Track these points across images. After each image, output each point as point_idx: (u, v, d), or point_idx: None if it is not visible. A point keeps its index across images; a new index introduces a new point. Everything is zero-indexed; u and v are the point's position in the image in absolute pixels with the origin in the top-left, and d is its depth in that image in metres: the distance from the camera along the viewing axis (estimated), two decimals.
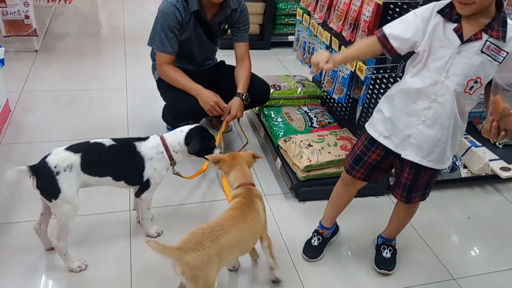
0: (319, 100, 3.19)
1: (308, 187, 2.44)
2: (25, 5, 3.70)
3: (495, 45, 1.44)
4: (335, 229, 2.19)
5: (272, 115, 2.88)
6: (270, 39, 4.71)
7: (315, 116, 2.86)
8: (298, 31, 3.06)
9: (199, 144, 1.94)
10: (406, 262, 2.14)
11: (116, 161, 1.84)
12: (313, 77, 3.30)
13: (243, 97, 2.52)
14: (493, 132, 1.35)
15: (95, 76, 3.77)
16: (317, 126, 2.77)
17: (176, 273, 1.50)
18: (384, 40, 1.60)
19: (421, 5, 1.61)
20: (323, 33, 2.57)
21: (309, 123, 2.80)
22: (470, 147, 2.70)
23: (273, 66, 4.34)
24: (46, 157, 1.71)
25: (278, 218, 2.32)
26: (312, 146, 2.47)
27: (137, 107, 3.28)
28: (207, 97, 2.41)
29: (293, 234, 2.21)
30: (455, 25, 1.47)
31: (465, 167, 2.69)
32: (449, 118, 1.57)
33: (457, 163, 2.65)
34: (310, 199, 2.45)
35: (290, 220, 2.32)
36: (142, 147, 1.87)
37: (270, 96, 2.93)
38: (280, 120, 2.82)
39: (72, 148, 1.74)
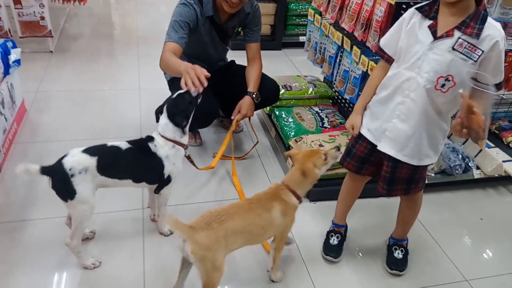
0: (330, 101, 3.19)
1: (319, 187, 2.42)
2: (40, 6, 3.76)
3: (468, 42, 1.43)
4: (346, 228, 2.20)
5: (283, 115, 2.89)
6: (281, 39, 4.72)
7: (326, 116, 2.86)
8: (310, 31, 3.06)
9: (182, 118, 1.89)
10: (418, 263, 2.13)
11: (134, 164, 1.86)
12: (324, 77, 3.30)
13: (254, 96, 2.53)
14: (457, 129, 1.36)
15: (108, 76, 3.82)
16: (328, 126, 2.77)
17: (185, 253, 1.54)
18: (381, 52, 1.72)
19: None
20: (335, 33, 2.57)
21: (320, 123, 2.80)
22: None
23: (284, 66, 4.35)
24: (62, 158, 1.72)
25: None
26: (323, 146, 2.47)
27: (149, 107, 3.30)
28: (189, 66, 2.08)
29: (305, 234, 2.22)
30: (430, 22, 1.49)
31: (478, 168, 2.66)
32: (421, 114, 1.58)
33: (470, 164, 2.63)
34: (321, 199, 2.45)
35: (302, 220, 2.30)
36: (155, 147, 1.88)
37: (281, 96, 2.94)
38: (291, 120, 2.83)
39: (89, 151, 1.75)
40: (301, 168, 1.77)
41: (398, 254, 2.06)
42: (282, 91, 2.97)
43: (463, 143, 2.77)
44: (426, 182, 2.49)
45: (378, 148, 1.74)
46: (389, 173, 1.76)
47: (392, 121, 1.66)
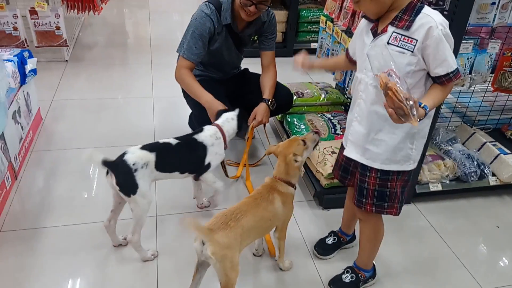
0: (343, 107, 3.17)
1: (332, 194, 2.43)
2: (56, 16, 3.83)
3: (402, 35, 1.45)
4: (353, 237, 2.18)
5: (295, 122, 2.89)
6: (293, 46, 4.72)
7: (338, 123, 2.85)
8: (322, 38, 3.06)
9: (245, 125, 2.26)
10: (433, 272, 2.10)
11: (184, 157, 2.02)
12: (336, 84, 3.29)
13: (269, 103, 2.54)
14: (387, 111, 1.37)
15: (122, 84, 3.86)
16: (341, 133, 2.76)
17: (205, 255, 1.56)
18: (348, 55, 1.79)
19: None
20: (347, 40, 2.57)
21: (333, 130, 2.79)
22: (498, 154, 2.64)
23: (295, 73, 4.32)
24: (123, 155, 1.82)
25: (302, 225, 2.31)
26: (336, 153, 2.46)
27: (163, 114, 3.34)
28: (217, 108, 2.32)
29: (317, 240, 2.20)
30: (372, 24, 1.55)
31: (493, 175, 2.62)
32: (371, 113, 1.58)
33: (485, 170, 2.59)
34: (334, 206, 2.44)
35: (314, 227, 2.32)
36: (202, 137, 2.07)
37: (293, 103, 2.94)
38: (303, 127, 2.82)
39: (147, 147, 1.89)
40: (284, 160, 1.85)
41: (346, 277, 1.93)
42: (294, 97, 2.97)
43: (478, 150, 2.74)
44: (441, 189, 2.51)
45: (344, 153, 1.75)
46: (360, 181, 1.72)
47: (352, 124, 1.69)
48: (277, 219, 1.84)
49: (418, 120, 1.33)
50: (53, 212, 2.28)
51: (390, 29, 1.48)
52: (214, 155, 2.10)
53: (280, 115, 3.08)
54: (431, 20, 1.42)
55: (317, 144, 1.95)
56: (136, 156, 1.82)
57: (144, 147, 1.89)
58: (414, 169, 1.69)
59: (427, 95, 1.51)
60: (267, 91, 2.57)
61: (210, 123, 2.47)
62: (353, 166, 1.80)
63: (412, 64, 1.46)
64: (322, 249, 2.13)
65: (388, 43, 1.48)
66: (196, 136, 2.07)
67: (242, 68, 2.93)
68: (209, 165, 2.09)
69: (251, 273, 2.02)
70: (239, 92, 2.66)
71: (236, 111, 2.25)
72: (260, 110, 2.51)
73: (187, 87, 2.49)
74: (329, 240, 2.14)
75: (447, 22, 1.44)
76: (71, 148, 2.83)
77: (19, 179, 2.50)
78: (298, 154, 1.84)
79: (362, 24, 1.64)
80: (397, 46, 1.46)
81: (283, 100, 2.75)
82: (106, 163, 1.77)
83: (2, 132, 2.28)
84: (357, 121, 1.65)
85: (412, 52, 1.44)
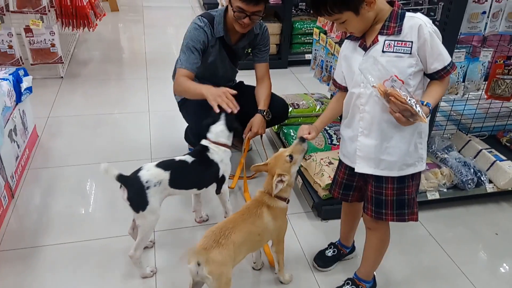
0: (339, 117, 3.18)
1: (330, 205, 2.43)
2: (51, 34, 3.85)
3: (395, 40, 1.49)
4: (352, 249, 2.18)
5: (292, 134, 2.90)
6: (287, 58, 4.76)
7: (334, 133, 2.86)
8: (315, 50, 3.09)
9: (236, 124, 2.19)
10: (433, 281, 2.10)
11: (198, 174, 2.05)
12: (331, 95, 3.31)
13: (265, 113, 2.55)
14: (394, 117, 1.43)
15: (118, 100, 3.87)
16: (337, 143, 2.77)
17: (201, 276, 1.57)
18: (334, 83, 1.80)
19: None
20: None
21: (329, 140, 2.80)
22: (495, 161, 2.65)
23: (290, 84, 4.38)
24: (138, 171, 1.85)
25: (300, 237, 2.31)
26: (333, 163, 2.47)
27: (159, 129, 3.35)
28: (216, 90, 2.26)
29: (315, 251, 2.19)
30: (359, 41, 1.57)
31: (490, 182, 2.63)
32: (380, 123, 1.58)
33: (482, 178, 2.60)
34: (332, 217, 2.43)
35: (313, 239, 2.31)
36: (212, 155, 2.08)
37: (289, 114, 2.95)
38: None
39: (162, 165, 1.91)
40: (271, 177, 1.79)
41: None
42: (290, 109, 2.98)
43: (474, 157, 2.75)
44: (439, 197, 2.51)
45: (356, 170, 1.71)
46: (375, 193, 1.70)
47: (358, 139, 1.66)
48: (267, 233, 1.82)
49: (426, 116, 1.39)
50: (51, 230, 2.27)
51: (381, 38, 1.51)
52: (225, 167, 2.13)
53: (276, 126, 3.09)
54: (418, 20, 1.47)
55: (306, 152, 1.85)
56: (150, 174, 1.84)
57: (160, 165, 1.90)
58: None
59: (427, 93, 1.54)
60: (262, 102, 2.58)
61: (205, 137, 2.46)
62: (357, 180, 1.79)
63: (412, 66, 1.49)
64: (322, 261, 2.12)
65: (383, 51, 1.50)
66: (209, 154, 2.09)
67: (237, 81, 2.95)
68: (223, 177, 2.13)
69: (251, 287, 2.01)
70: None
71: (222, 119, 2.15)
72: (256, 121, 2.52)
73: (185, 89, 2.42)
74: (329, 253, 2.13)
75: (430, 20, 1.50)
76: (68, 165, 2.83)
77: (16, 198, 2.49)
78: (285, 173, 1.76)
79: (346, 45, 1.66)
80: (393, 52, 1.49)
81: (279, 111, 2.76)
82: (120, 178, 1.79)
83: None
84: (364, 135, 1.63)
85: (410, 53, 1.47)
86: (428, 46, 1.46)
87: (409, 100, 1.36)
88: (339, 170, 1.88)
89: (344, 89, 1.73)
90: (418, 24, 1.45)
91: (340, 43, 2.65)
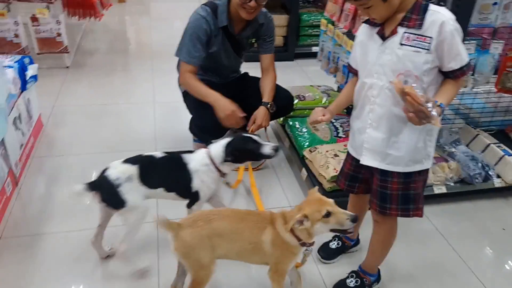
0: (345, 110, 3.15)
1: (335, 198, 2.38)
2: (57, 23, 3.84)
3: (415, 34, 1.45)
4: (357, 242, 2.16)
5: (297, 126, 2.87)
6: (294, 50, 4.72)
7: (341, 126, 2.83)
8: (323, 41, 3.05)
9: (236, 153, 1.92)
10: (439, 276, 2.08)
11: (167, 173, 1.90)
12: (338, 87, 3.28)
13: (269, 106, 2.52)
14: (408, 117, 1.40)
15: (123, 90, 3.86)
16: (343, 136, 2.74)
17: (171, 251, 1.59)
18: (349, 68, 1.75)
19: None
20: (348, 42, 2.56)
21: (335, 133, 2.77)
22: (503, 156, 2.61)
23: (297, 77, 4.35)
24: (104, 171, 1.78)
25: None
26: (338, 156, 2.44)
27: (164, 120, 3.33)
28: (224, 106, 2.35)
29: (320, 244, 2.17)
30: (378, 28, 1.53)
31: (498, 176, 2.59)
32: (390, 117, 1.55)
33: (490, 172, 2.56)
34: None
35: None
36: (189, 159, 1.91)
37: (295, 106, 2.92)
38: (305, 130, 2.81)
39: (130, 161, 1.83)
40: (298, 211, 1.57)
41: (350, 282, 1.90)
42: (295, 101, 2.95)
43: (482, 152, 2.71)
44: (445, 191, 2.48)
45: (361, 162, 1.69)
46: (381, 187, 1.67)
47: (366, 131, 1.63)
48: (261, 252, 1.63)
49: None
50: (54, 218, 2.27)
51: (400, 30, 1.47)
52: (201, 183, 1.90)
53: (281, 119, 3.06)
54: (442, 16, 1.42)
55: (341, 229, 1.55)
56: (118, 170, 1.77)
57: (127, 161, 1.83)
58: None
59: (440, 92, 1.50)
60: (266, 94, 2.56)
61: (208, 128, 2.45)
62: (364, 173, 1.76)
63: (428, 62, 1.46)
64: (326, 253, 2.10)
65: (401, 44, 1.47)
66: (184, 155, 1.93)
67: (242, 72, 2.92)
68: (197, 194, 1.91)
69: (251, 276, 1.99)
70: (239, 96, 2.64)
71: (228, 138, 1.98)
72: (260, 113, 2.49)
73: (193, 90, 2.48)
74: (333, 245, 2.11)
75: (454, 17, 1.45)
76: (72, 154, 2.82)
77: (19, 186, 2.49)
78: (309, 219, 1.53)
79: (363, 30, 1.62)
80: (411, 46, 1.45)
81: (283, 103, 2.73)
82: (89, 186, 1.73)
83: (3, 139, 2.27)
84: (372, 127, 1.61)
85: (428, 50, 1.44)
86: (447, 45, 1.43)
87: (426, 103, 1.33)
88: (346, 162, 1.85)
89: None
90: (441, 21, 1.41)
91: (348, 34, 2.61)
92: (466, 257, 2.19)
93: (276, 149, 1.92)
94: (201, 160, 1.92)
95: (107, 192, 1.75)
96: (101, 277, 1.96)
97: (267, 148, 1.92)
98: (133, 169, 1.79)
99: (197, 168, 1.90)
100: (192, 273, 1.61)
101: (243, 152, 1.93)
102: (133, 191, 1.77)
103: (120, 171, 1.77)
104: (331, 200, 1.58)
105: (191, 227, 1.57)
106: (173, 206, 1.97)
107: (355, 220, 1.53)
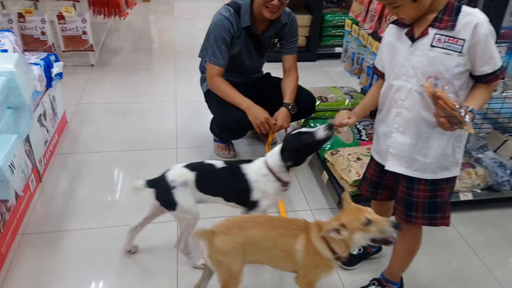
0: (369, 113, 3.10)
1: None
2: (83, 21, 3.90)
3: (447, 36, 1.39)
4: (379, 248, 2.12)
5: (318, 127, 2.83)
6: (316, 51, 4.68)
7: (364, 129, 2.79)
8: (347, 42, 3.01)
9: (294, 154, 1.83)
10: (463, 285, 2.02)
11: (225, 183, 1.89)
12: (361, 88, 3.22)
13: (290, 107, 2.50)
14: (439, 122, 1.34)
15: (146, 89, 3.89)
16: (366, 139, 2.70)
17: (205, 258, 1.59)
18: (375, 70, 1.71)
19: None
20: (374, 43, 2.51)
21: (358, 135, 2.73)
22: None
23: (319, 78, 4.30)
24: (165, 172, 1.84)
25: None
26: (361, 159, 2.39)
27: (186, 119, 3.34)
28: (257, 113, 2.40)
29: None
30: (407, 29, 1.49)
31: None
32: (418, 121, 1.50)
33: None
34: None
35: None
36: (248, 169, 1.88)
37: (316, 108, 2.89)
38: None
39: (189, 166, 1.86)
40: (336, 221, 1.52)
41: None
42: (317, 102, 2.92)
43: (511, 158, 2.62)
44: (472, 198, 2.41)
45: (386, 168, 1.63)
46: (406, 194, 1.62)
47: (393, 136, 1.58)
48: (293, 260, 1.60)
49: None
50: (76, 215, 2.29)
51: (431, 31, 1.42)
52: (262, 193, 1.85)
53: (303, 120, 3.03)
54: (476, 18, 1.37)
55: (381, 239, 1.47)
56: (176, 173, 1.82)
57: (187, 166, 1.86)
58: None
59: (471, 96, 1.45)
60: (288, 95, 2.54)
61: (229, 128, 2.43)
62: (388, 179, 1.72)
63: (460, 65, 1.41)
64: (347, 259, 2.06)
65: (431, 45, 1.42)
66: (243, 165, 1.89)
67: (264, 73, 2.90)
68: (256, 203, 1.86)
69: (271, 281, 1.97)
70: (261, 97, 2.63)
71: (279, 145, 1.89)
72: (281, 114, 2.47)
73: (223, 95, 2.49)
74: (355, 251, 2.07)
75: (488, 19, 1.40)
76: (95, 152, 2.85)
77: (43, 182, 2.53)
78: (346, 228, 1.47)
79: (391, 31, 1.58)
80: (442, 48, 1.41)
81: (305, 104, 2.70)
82: (149, 182, 1.81)
83: (27, 135, 2.31)
84: (399, 132, 1.56)
85: (460, 52, 1.39)
86: (480, 48, 1.38)
87: (459, 107, 1.28)
88: (369, 167, 1.81)
89: (384, 76, 1.66)
90: (475, 23, 1.36)
91: (373, 35, 2.57)
92: (492, 266, 2.12)
93: (330, 127, 1.80)
94: (259, 170, 1.87)
95: (162, 191, 1.81)
96: (120, 274, 1.98)
97: (321, 132, 1.80)
98: (190, 175, 1.81)
99: (257, 179, 1.86)
100: (221, 281, 1.60)
101: (301, 150, 1.83)
102: (186, 195, 1.80)
103: (178, 174, 1.81)
104: (370, 209, 1.51)
105: (225, 234, 1.55)
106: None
107: (398, 226, 1.44)
